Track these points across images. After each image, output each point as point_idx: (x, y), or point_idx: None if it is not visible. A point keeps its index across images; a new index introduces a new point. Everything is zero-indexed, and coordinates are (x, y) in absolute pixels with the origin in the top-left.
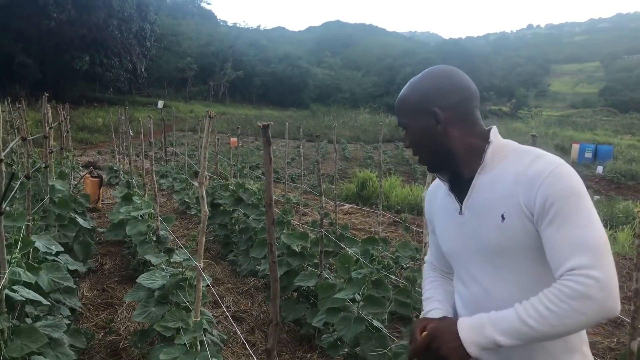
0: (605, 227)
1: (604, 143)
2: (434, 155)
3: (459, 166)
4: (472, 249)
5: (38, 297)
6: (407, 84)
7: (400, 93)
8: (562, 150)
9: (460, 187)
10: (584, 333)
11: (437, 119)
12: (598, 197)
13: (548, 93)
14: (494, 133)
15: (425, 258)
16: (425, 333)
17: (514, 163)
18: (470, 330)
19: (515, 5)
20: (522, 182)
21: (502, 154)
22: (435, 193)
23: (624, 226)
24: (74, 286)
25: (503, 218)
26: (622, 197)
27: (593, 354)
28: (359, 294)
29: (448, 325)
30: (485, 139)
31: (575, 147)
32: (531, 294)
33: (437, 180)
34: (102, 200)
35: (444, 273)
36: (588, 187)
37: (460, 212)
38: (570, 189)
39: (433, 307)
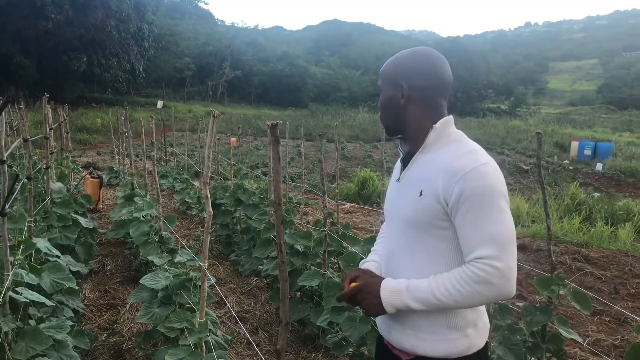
0: (606, 224)
1: (603, 140)
2: (392, 122)
3: (409, 139)
4: (396, 214)
5: (42, 299)
6: (402, 52)
7: (387, 62)
8: (562, 148)
9: (406, 160)
10: (474, 317)
11: (402, 93)
12: (598, 194)
13: (546, 91)
14: (444, 121)
15: (382, 225)
16: (354, 284)
17: (448, 152)
18: (390, 294)
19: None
20: (446, 171)
21: (444, 141)
22: (397, 164)
23: (625, 223)
24: (77, 287)
25: (421, 194)
26: (622, 195)
27: (598, 352)
28: None
29: (373, 284)
30: (434, 123)
31: (575, 145)
32: (427, 265)
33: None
34: (103, 201)
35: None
36: (588, 185)
37: (398, 180)
38: (486, 187)
39: (371, 259)
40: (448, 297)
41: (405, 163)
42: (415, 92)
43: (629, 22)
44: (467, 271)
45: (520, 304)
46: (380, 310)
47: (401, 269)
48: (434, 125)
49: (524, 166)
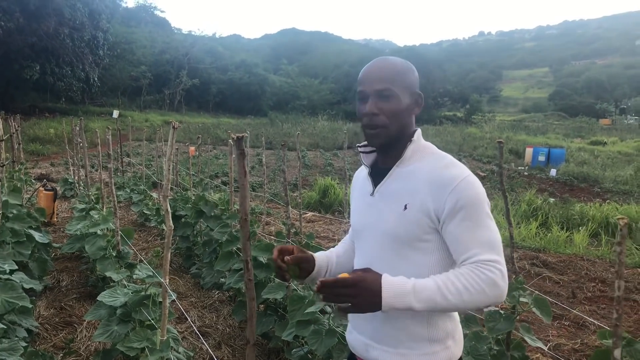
0: (562, 229)
1: (556, 146)
2: (398, 132)
3: (392, 151)
4: (372, 228)
5: None
6: (390, 58)
7: (386, 62)
8: (517, 154)
9: (377, 174)
10: (452, 327)
11: (419, 104)
12: (553, 199)
13: (500, 98)
14: (418, 134)
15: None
16: (346, 275)
17: (429, 164)
18: (394, 294)
19: (467, 13)
20: (434, 183)
21: (421, 154)
22: (358, 177)
23: (580, 228)
24: (30, 306)
25: (405, 208)
26: (576, 199)
27: (558, 356)
28: (330, 305)
29: (373, 281)
30: (411, 136)
31: (529, 151)
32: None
33: (361, 167)
34: (57, 214)
35: (352, 243)
36: (543, 190)
37: (372, 194)
38: (477, 196)
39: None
40: (457, 296)
41: (375, 176)
42: (422, 104)
43: (578, 31)
44: (476, 271)
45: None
46: (373, 309)
47: None
48: (412, 139)
49: (480, 172)
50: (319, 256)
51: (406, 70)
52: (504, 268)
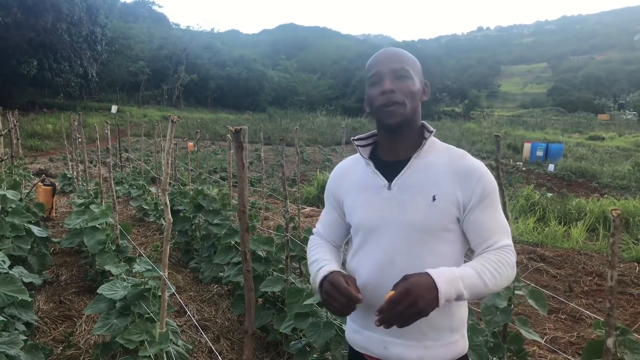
0: (559, 223)
1: (554, 142)
2: (413, 114)
3: (407, 138)
4: (394, 221)
5: None
6: (401, 50)
7: (395, 50)
8: (515, 149)
9: (384, 167)
10: (465, 315)
11: (426, 92)
12: (551, 194)
13: (499, 94)
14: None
15: (314, 230)
16: (396, 291)
17: (445, 155)
18: (447, 283)
19: (466, 9)
20: (459, 173)
21: (432, 146)
22: (348, 172)
23: (577, 222)
24: (30, 299)
25: (434, 199)
26: (573, 194)
27: (555, 349)
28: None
29: (423, 279)
30: (421, 127)
31: (527, 146)
32: (429, 269)
33: (346, 161)
34: (56, 209)
35: (330, 243)
36: (541, 185)
37: (389, 188)
38: (495, 184)
39: (325, 263)
40: (493, 281)
41: (384, 169)
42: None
43: (576, 27)
44: (503, 256)
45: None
46: (433, 307)
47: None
48: (432, 131)
49: None
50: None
51: (416, 60)
52: (514, 251)
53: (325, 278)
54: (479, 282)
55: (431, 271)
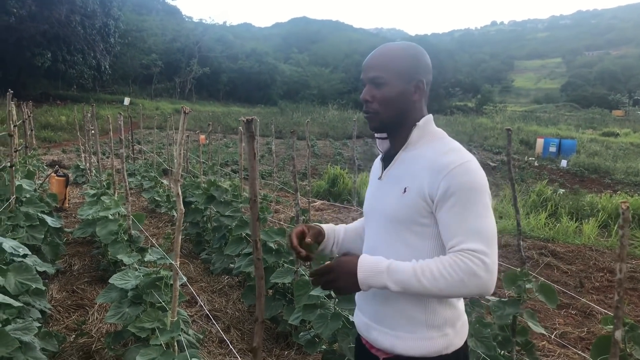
0: (571, 219)
1: (567, 137)
2: (394, 118)
3: (398, 137)
4: (377, 211)
5: (8, 300)
6: (391, 44)
7: (384, 49)
8: (527, 145)
9: (387, 159)
10: (451, 316)
11: (419, 89)
12: (563, 190)
13: (512, 89)
14: (426, 119)
15: None
16: (328, 263)
17: (433, 149)
18: (368, 272)
19: (479, 3)
20: (432, 168)
21: (427, 139)
22: (375, 163)
23: (589, 218)
24: (43, 288)
25: (405, 191)
26: (586, 190)
27: (565, 344)
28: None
29: (348, 262)
30: (417, 121)
31: (540, 142)
32: (404, 260)
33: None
34: (69, 200)
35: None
36: (554, 181)
37: (380, 178)
38: (472, 183)
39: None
40: (432, 282)
41: (386, 161)
42: (426, 89)
43: (591, 22)
44: (456, 259)
45: (491, 299)
46: (355, 289)
47: None
48: (417, 124)
49: (491, 163)
50: (326, 228)
51: (404, 56)
52: (488, 259)
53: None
54: (413, 281)
55: (362, 258)
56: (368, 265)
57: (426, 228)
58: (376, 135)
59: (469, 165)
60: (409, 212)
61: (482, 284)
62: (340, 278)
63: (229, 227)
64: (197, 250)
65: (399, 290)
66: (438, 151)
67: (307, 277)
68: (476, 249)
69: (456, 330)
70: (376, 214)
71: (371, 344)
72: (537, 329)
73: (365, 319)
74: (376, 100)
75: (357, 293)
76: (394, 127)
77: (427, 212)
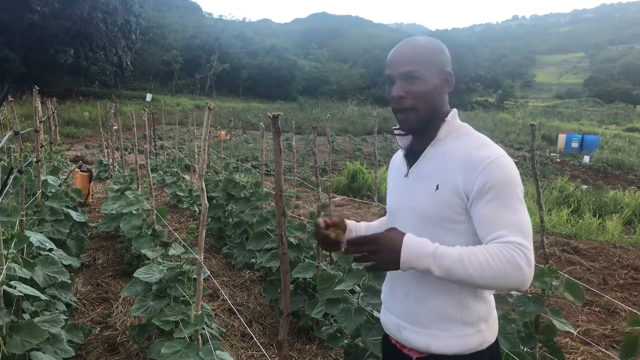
0: (594, 216)
1: (590, 133)
2: (429, 115)
3: (426, 132)
4: (406, 209)
5: (36, 293)
6: (415, 39)
7: (411, 43)
8: (549, 141)
9: (412, 155)
10: (485, 311)
11: (448, 82)
12: (586, 186)
13: (533, 84)
14: (452, 114)
15: None
16: (369, 235)
17: (463, 145)
18: (412, 253)
19: None
20: (466, 164)
21: (455, 134)
22: (395, 160)
23: (613, 215)
24: (69, 281)
25: (437, 188)
26: (609, 186)
27: (588, 341)
28: (358, 285)
29: (394, 238)
30: (444, 116)
31: (562, 137)
32: None
33: (399, 150)
34: (92, 195)
35: None
36: (576, 177)
37: (406, 175)
38: (507, 178)
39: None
40: (478, 270)
41: (410, 158)
42: (453, 83)
43: (615, 15)
44: (502, 250)
45: (514, 294)
46: (393, 267)
47: None
48: (446, 119)
49: (512, 159)
50: (347, 222)
51: (433, 49)
52: (530, 254)
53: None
54: (459, 266)
55: (408, 236)
56: (414, 245)
57: (459, 225)
58: (396, 131)
59: (503, 159)
60: (443, 209)
61: (523, 278)
62: (383, 252)
63: (250, 223)
64: (219, 245)
65: (441, 275)
66: (469, 146)
67: (329, 272)
68: (521, 243)
69: (489, 325)
70: (405, 212)
71: (403, 344)
72: (564, 326)
73: (396, 319)
74: (411, 96)
75: (386, 293)
76: (427, 122)
77: (461, 208)
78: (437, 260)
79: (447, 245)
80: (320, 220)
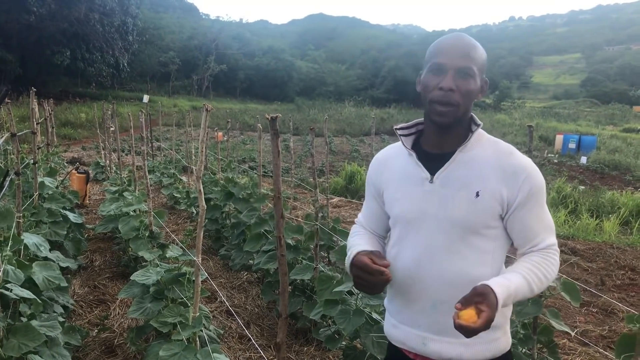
0: (592, 216)
1: (587, 134)
2: (464, 113)
3: (455, 133)
4: (433, 216)
5: (32, 296)
6: (467, 36)
7: (466, 40)
8: (546, 141)
9: (428, 159)
10: (508, 313)
11: (484, 90)
12: (583, 187)
13: (530, 84)
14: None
15: (356, 220)
16: (474, 319)
17: (492, 150)
18: (503, 302)
19: None
20: (506, 170)
21: (479, 139)
22: (388, 161)
23: (610, 215)
24: (66, 284)
25: (477, 195)
26: (606, 187)
27: (586, 342)
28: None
29: (489, 297)
30: (470, 120)
31: (559, 138)
32: (473, 265)
33: (388, 149)
34: (89, 197)
35: (371, 232)
36: (573, 178)
37: (431, 181)
38: (543, 183)
39: (355, 249)
40: (539, 285)
41: (426, 162)
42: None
43: (612, 16)
44: (549, 259)
45: None
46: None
47: (444, 271)
48: (479, 124)
49: None
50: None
51: (484, 53)
52: (558, 249)
53: (352, 261)
54: (527, 291)
55: (496, 289)
56: (504, 293)
57: (494, 230)
58: (399, 131)
59: (535, 166)
60: (483, 216)
61: (557, 272)
62: (492, 318)
63: (248, 224)
64: (216, 247)
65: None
66: (501, 152)
67: (328, 273)
68: (554, 243)
69: (509, 325)
70: (434, 220)
71: (427, 356)
72: (561, 327)
73: (419, 332)
74: (460, 92)
75: (398, 306)
76: (458, 122)
77: (499, 215)
78: (517, 296)
79: (482, 250)
80: (366, 260)
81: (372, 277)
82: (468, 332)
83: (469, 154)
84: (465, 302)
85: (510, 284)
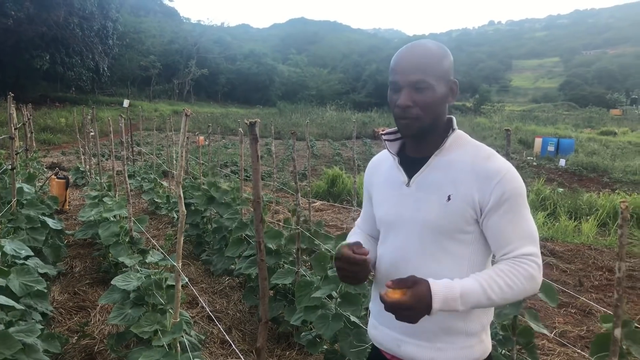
0: (570, 218)
1: (566, 137)
2: (432, 122)
3: (427, 141)
4: (409, 219)
5: (11, 302)
6: (424, 43)
7: (421, 49)
8: (525, 144)
9: (408, 163)
10: (487, 321)
11: (454, 92)
12: (562, 189)
13: (510, 88)
14: (455, 122)
15: (355, 222)
16: (398, 294)
17: (470, 154)
18: (443, 302)
19: (477, 2)
20: (478, 174)
21: (458, 143)
22: (379, 165)
23: (588, 217)
24: (45, 290)
25: (449, 199)
26: (585, 189)
27: (564, 343)
28: (335, 291)
29: (422, 293)
30: (446, 124)
31: (538, 141)
32: (449, 270)
33: (380, 154)
34: (69, 202)
35: (367, 233)
36: (552, 180)
37: (408, 185)
38: (520, 189)
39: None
40: (500, 295)
41: (407, 166)
42: (458, 92)
43: (589, 21)
44: (517, 267)
45: None
46: (423, 316)
47: (418, 274)
48: (453, 128)
49: None
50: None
51: (442, 57)
52: (540, 260)
53: (335, 254)
54: (482, 298)
55: (433, 287)
56: (442, 293)
57: (469, 235)
58: (385, 136)
59: (513, 170)
60: (455, 220)
61: (536, 285)
62: (415, 310)
63: (229, 229)
64: (198, 252)
65: (466, 309)
66: (478, 156)
67: (308, 278)
68: (531, 253)
69: (488, 334)
70: (409, 224)
71: (401, 359)
72: (539, 329)
73: (394, 334)
74: (418, 106)
75: (378, 307)
76: (428, 130)
77: (472, 219)
78: (464, 300)
79: (456, 255)
80: (347, 251)
81: (353, 267)
82: (392, 309)
83: (445, 158)
84: (397, 284)
85: (455, 285)
